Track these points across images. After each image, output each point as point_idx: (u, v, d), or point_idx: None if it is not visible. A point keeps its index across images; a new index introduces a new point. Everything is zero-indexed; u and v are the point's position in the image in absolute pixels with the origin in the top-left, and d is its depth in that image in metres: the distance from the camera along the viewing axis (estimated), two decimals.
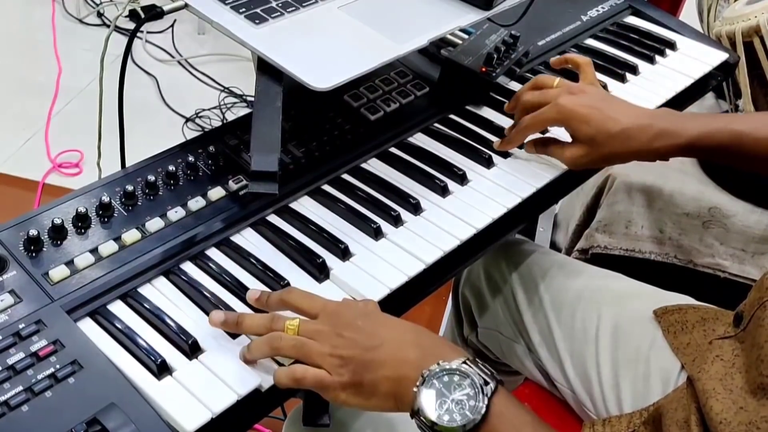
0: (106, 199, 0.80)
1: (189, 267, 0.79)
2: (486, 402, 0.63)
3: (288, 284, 0.77)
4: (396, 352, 0.67)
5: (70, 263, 0.75)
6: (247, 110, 2.25)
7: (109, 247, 0.77)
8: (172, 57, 2.55)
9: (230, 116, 2.32)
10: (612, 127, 0.87)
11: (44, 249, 0.76)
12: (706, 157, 0.92)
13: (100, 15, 2.69)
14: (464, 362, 0.65)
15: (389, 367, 0.66)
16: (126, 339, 0.70)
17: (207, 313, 0.74)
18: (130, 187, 0.81)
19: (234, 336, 0.73)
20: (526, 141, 0.96)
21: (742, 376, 0.73)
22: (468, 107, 1.04)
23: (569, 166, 0.93)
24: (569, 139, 0.93)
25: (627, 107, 0.91)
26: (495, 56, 1.02)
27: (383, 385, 0.66)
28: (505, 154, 0.97)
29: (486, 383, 0.64)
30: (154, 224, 0.80)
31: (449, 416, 0.63)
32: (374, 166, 0.94)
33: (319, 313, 0.70)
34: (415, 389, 0.64)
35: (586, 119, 0.88)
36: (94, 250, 0.76)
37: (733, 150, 0.88)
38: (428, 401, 0.63)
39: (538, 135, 0.96)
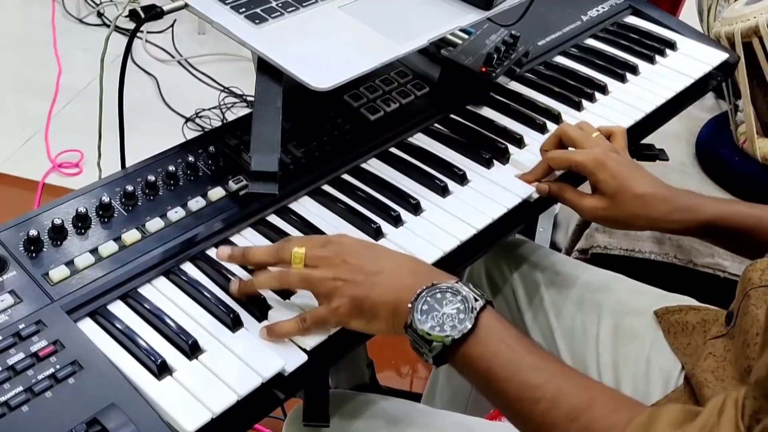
0: (106, 199, 0.80)
1: (189, 267, 0.79)
2: (475, 314, 0.67)
3: None
4: (396, 278, 0.72)
5: (70, 263, 0.75)
6: (247, 110, 2.25)
7: (109, 248, 0.77)
8: (172, 57, 2.55)
9: (230, 116, 2.32)
10: (636, 189, 0.87)
11: (44, 249, 0.76)
12: (723, 239, 0.91)
13: (100, 15, 2.69)
14: (457, 281, 0.70)
15: (390, 292, 0.71)
16: (126, 339, 0.70)
17: (207, 313, 0.74)
18: (130, 187, 0.81)
19: (234, 329, 0.73)
20: (542, 181, 0.94)
21: (733, 367, 0.74)
22: (468, 107, 1.04)
23: (585, 215, 0.92)
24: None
25: (652, 178, 0.90)
26: (495, 56, 1.02)
27: (383, 308, 0.71)
28: (505, 155, 0.97)
29: (476, 299, 0.68)
30: (154, 224, 0.80)
31: (440, 327, 0.67)
32: (374, 166, 0.94)
33: (324, 243, 0.74)
34: (409, 305, 0.69)
35: (614, 174, 0.88)
36: (94, 251, 0.76)
37: (751, 234, 0.87)
38: (420, 315, 0.68)
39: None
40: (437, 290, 0.69)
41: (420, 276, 0.71)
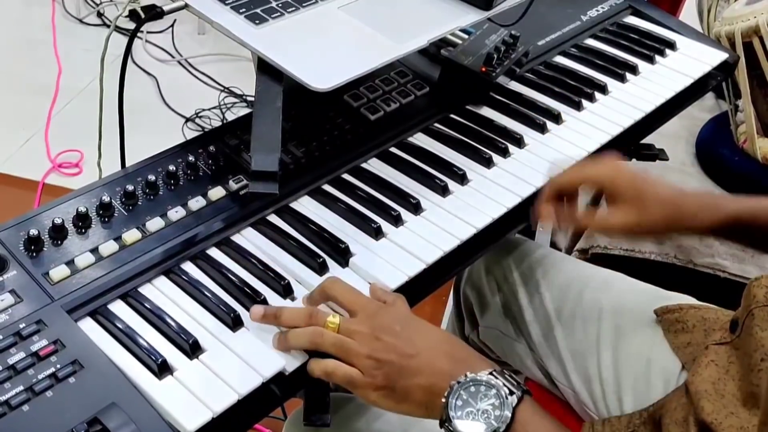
0: (106, 198, 0.80)
1: (189, 267, 0.79)
2: (510, 412, 0.65)
3: (288, 284, 0.78)
4: (431, 362, 0.69)
5: (70, 263, 0.75)
6: (247, 110, 2.25)
7: (109, 247, 0.77)
8: (172, 57, 2.55)
9: (230, 116, 2.32)
10: (662, 193, 0.85)
11: (44, 249, 0.76)
12: (747, 234, 0.89)
13: (100, 15, 2.69)
14: (491, 373, 0.68)
15: (423, 376, 0.69)
16: (127, 339, 0.70)
17: (208, 312, 0.74)
18: (130, 187, 0.81)
19: (234, 329, 0.73)
20: (546, 214, 0.89)
21: (735, 384, 0.73)
22: (468, 107, 1.04)
23: (619, 232, 0.90)
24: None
25: (666, 181, 0.88)
26: (495, 56, 1.02)
27: (415, 393, 0.69)
28: (505, 154, 0.97)
29: (511, 393, 0.66)
30: (155, 224, 0.80)
31: (475, 426, 0.65)
32: (374, 166, 0.94)
33: (359, 312, 0.72)
34: (443, 400, 0.67)
35: (632, 178, 0.85)
36: (94, 250, 0.77)
37: (766, 227, 0.85)
38: (455, 411, 0.66)
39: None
40: (471, 383, 0.67)
41: (455, 362, 0.69)
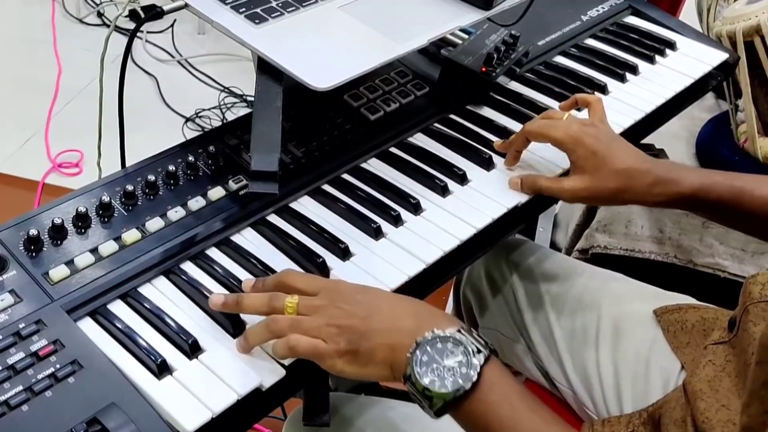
0: (106, 198, 0.80)
1: (189, 267, 0.79)
2: (477, 370, 0.64)
3: None
4: (392, 321, 0.68)
5: (70, 263, 0.75)
6: (247, 110, 2.25)
7: (109, 247, 0.77)
8: (172, 57, 2.55)
9: (230, 116, 2.32)
10: (618, 164, 0.86)
11: (44, 249, 0.76)
12: (704, 210, 0.90)
13: (100, 15, 2.69)
14: (458, 330, 0.66)
15: (385, 335, 0.67)
16: (126, 339, 0.70)
17: (207, 313, 0.74)
18: (130, 187, 0.81)
19: (234, 334, 0.73)
20: (511, 179, 0.92)
21: (731, 380, 0.73)
22: (468, 107, 1.04)
23: (567, 198, 0.91)
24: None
25: (632, 150, 0.89)
26: (495, 56, 1.02)
27: (379, 353, 0.67)
28: (505, 155, 0.97)
29: (478, 351, 0.65)
30: (154, 224, 0.80)
31: (440, 382, 0.64)
32: (374, 166, 0.94)
33: (319, 290, 0.71)
34: (408, 355, 0.65)
35: (593, 150, 0.86)
36: (94, 250, 0.77)
37: (731, 206, 0.86)
38: (419, 367, 0.64)
39: (524, 173, 0.94)
40: (438, 340, 0.65)
41: (419, 319, 0.68)
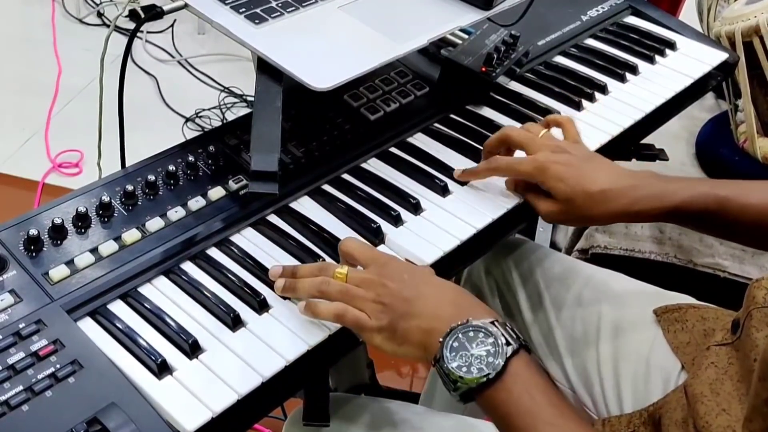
0: (106, 198, 0.80)
1: (189, 267, 0.79)
2: (503, 360, 0.66)
3: None
4: (433, 307, 0.71)
5: (70, 263, 0.75)
6: (247, 110, 2.25)
7: (109, 247, 0.77)
8: (172, 57, 2.55)
9: (230, 116, 2.32)
10: (590, 188, 0.84)
11: (44, 249, 0.76)
12: (690, 223, 0.88)
13: (100, 15, 2.69)
14: (492, 322, 0.68)
15: (423, 320, 0.70)
16: (126, 338, 0.70)
17: (207, 312, 0.74)
18: (130, 187, 0.81)
19: (234, 329, 0.73)
20: (508, 180, 0.91)
21: (732, 384, 0.73)
22: (468, 107, 1.04)
23: (543, 218, 0.90)
24: None
25: (609, 168, 0.86)
26: (495, 56, 1.02)
27: (415, 335, 0.70)
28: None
29: (508, 343, 0.67)
30: (154, 224, 0.80)
31: (467, 368, 0.67)
32: (374, 166, 0.94)
33: (370, 263, 0.75)
34: (440, 339, 0.68)
35: (562, 178, 0.84)
36: (94, 250, 0.76)
37: (717, 216, 0.84)
38: (449, 352, 0.68)
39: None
40: (470, 328, 0.68)
41: (459, 308, 0.71)
